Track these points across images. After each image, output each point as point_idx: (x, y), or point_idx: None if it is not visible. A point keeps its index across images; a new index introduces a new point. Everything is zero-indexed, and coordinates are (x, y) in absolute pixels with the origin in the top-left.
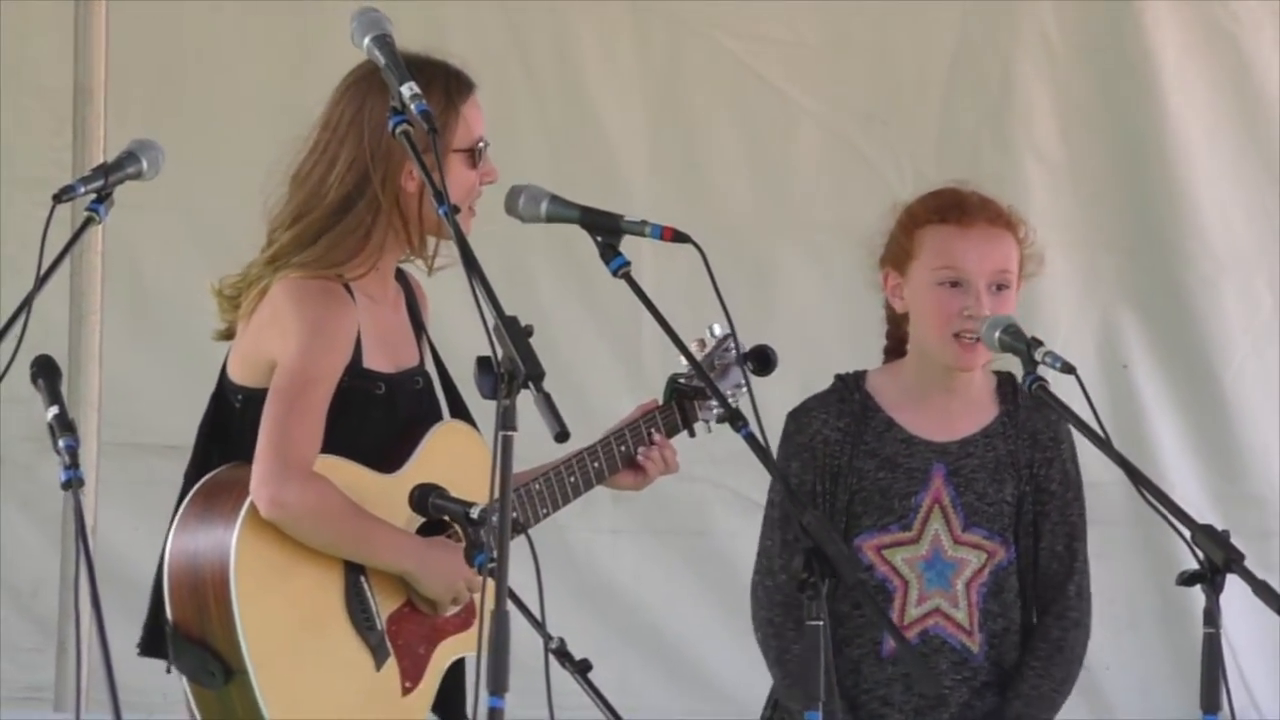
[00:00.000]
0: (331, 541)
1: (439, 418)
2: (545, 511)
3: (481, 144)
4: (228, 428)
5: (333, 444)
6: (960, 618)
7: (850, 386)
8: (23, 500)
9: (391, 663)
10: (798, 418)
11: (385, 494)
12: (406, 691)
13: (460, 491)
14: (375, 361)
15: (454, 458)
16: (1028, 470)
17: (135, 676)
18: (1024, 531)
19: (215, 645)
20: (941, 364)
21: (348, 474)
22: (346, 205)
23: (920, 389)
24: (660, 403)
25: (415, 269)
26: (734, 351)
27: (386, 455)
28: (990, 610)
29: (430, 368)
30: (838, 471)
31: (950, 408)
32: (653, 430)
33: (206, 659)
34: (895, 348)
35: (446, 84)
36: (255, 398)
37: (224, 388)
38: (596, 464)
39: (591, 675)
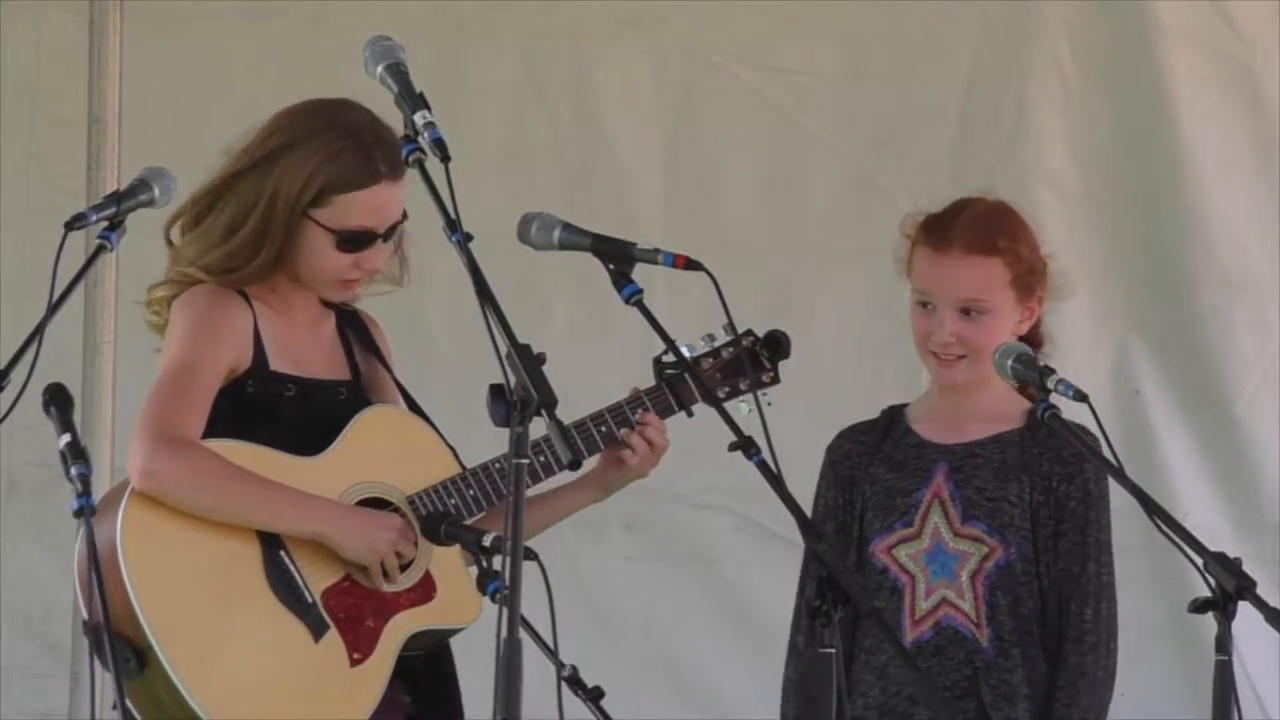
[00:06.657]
0: (217, 506)
1: None
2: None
3: (364, 236)
4: None
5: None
6: (968, 608)
7: (889, 410)
8: (35, 526)
9: (333, 635)
10: (832, 442)
11: (304, 474)
12: (355, 663)
13: (396, 473)
14: (282, 365)
15: (385, 438)
16: (1044, 481)
17: None
18: (1043, 547)
19: (124, 631)
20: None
21: (255, 455)
22: (234, 227)
23: (937, 399)
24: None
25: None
26: (742, 342)
27: (308, 448)
28: (998, 604)
29: (369, 390)
30: (854, 480)
31: (960, 416)
32: (639, 410)
33: (120, 648)
34: None
35: (361, 159)
36: None
37: None
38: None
39: (604, 703)
